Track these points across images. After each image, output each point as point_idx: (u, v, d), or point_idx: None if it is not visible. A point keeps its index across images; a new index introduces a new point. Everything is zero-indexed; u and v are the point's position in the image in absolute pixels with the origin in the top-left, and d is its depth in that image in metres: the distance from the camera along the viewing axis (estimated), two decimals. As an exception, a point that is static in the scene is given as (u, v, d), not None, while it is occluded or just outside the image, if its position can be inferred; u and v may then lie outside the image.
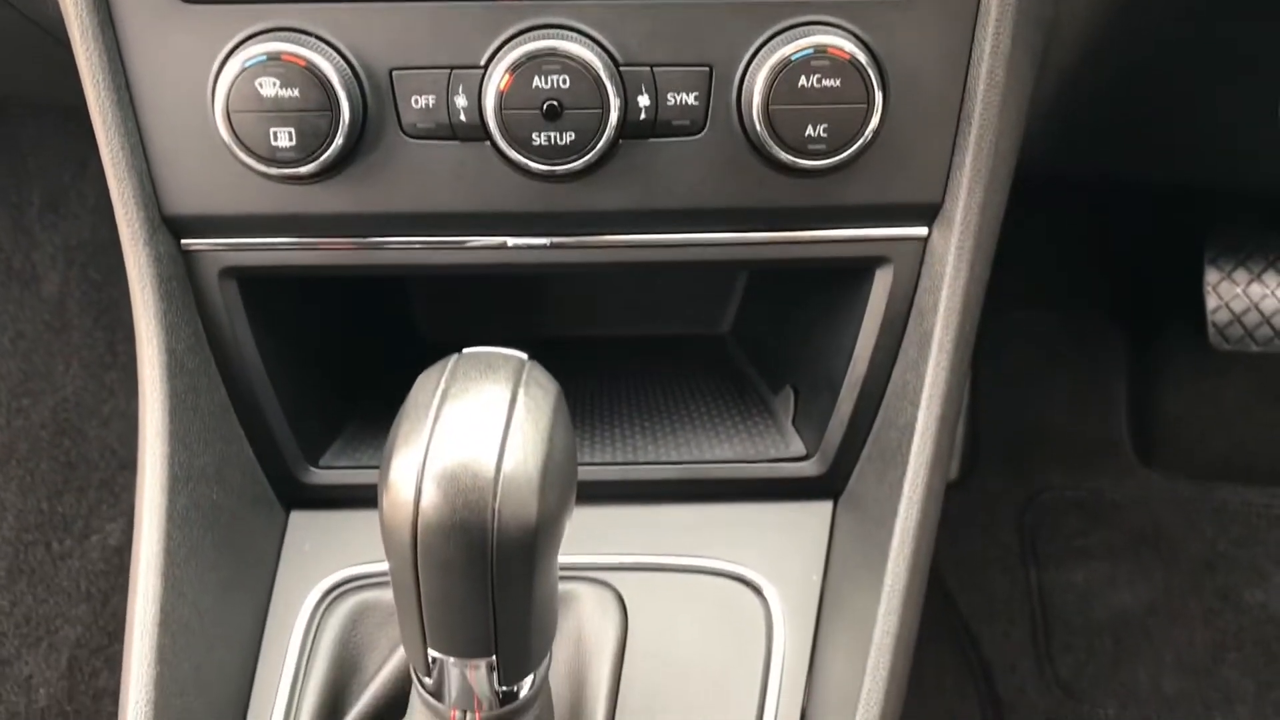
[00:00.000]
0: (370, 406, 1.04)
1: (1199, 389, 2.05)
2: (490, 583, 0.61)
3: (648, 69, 0.81)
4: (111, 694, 1.82)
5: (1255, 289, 1.80)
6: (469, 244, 0.86)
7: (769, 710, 0.86)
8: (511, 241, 0.86)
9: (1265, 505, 2.01)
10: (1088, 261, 2.10)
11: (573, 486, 0.64)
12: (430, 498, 0.58)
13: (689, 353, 1.22)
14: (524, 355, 0.65)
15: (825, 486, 0.95)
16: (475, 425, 0.59)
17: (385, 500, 0.59)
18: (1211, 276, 1.80)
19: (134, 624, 0.82)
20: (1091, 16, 0.87)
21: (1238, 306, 1.81)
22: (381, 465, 0.60)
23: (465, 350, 0.65)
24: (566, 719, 0.87)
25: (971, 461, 2.08)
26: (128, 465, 2.03)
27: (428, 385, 0.62)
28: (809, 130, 0.80)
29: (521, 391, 0.62)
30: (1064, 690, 1.83)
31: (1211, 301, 1.80)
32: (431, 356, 0.65)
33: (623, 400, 1.10)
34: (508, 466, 0.58)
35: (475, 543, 0.59)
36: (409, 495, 0.58)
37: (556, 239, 0.86)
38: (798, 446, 0.98)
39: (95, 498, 1.99)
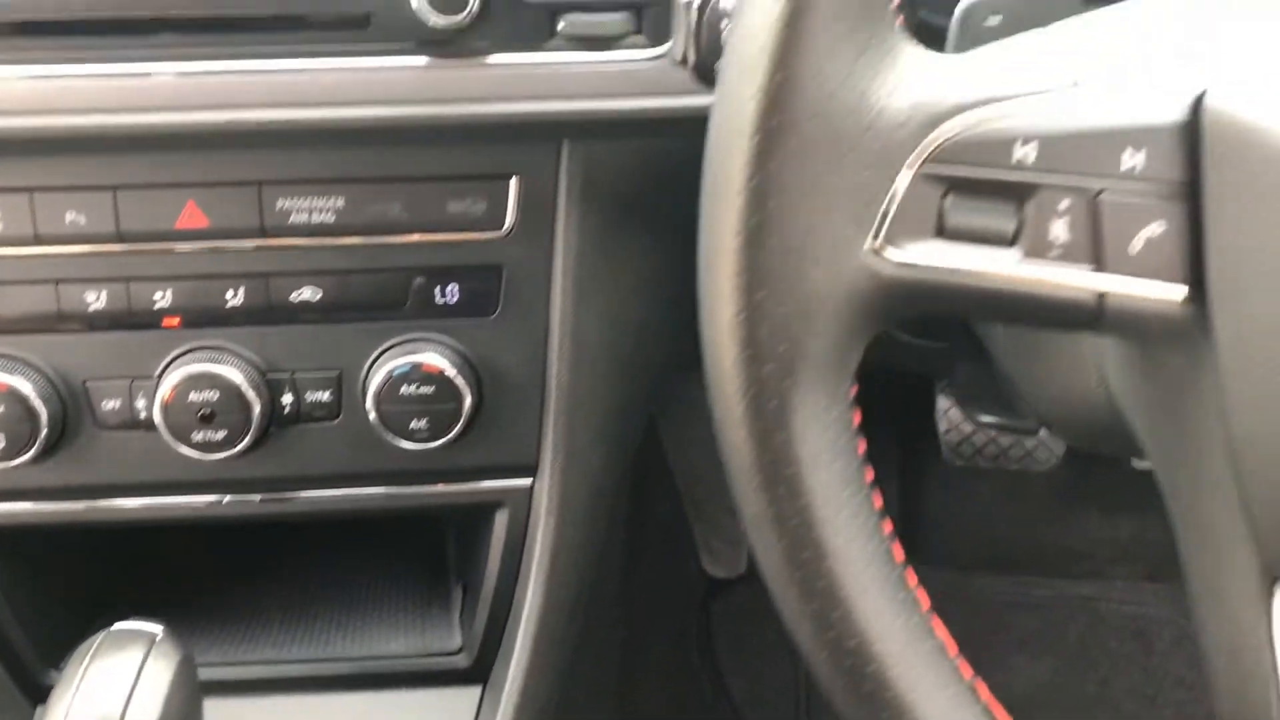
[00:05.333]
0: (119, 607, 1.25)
1: (957, 491, 2.30)
2: None
3: (289, 375, 1.04)
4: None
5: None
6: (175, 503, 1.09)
7: None
8: (226, 499, 1.09)
9: (1011, 593, 2.26)
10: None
11: None
12: None
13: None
14: (156, 629, 0.88)
15: (476, 675, 1.17)
16: (100, 709, 0.82)
17: None
18: (942, 403, 2.04)
19: None
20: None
21: (967, 428, 2.06)
22: None
23: (110, 629, 0.88)
24: None
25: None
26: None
27: (73, 665, 0.85)
28: (413, 424, 1.03)
29: (149, 663, 0.84)
30: (818, 767, 2.07)
31: (943, 425, 2.05)
32: None
33: (311, 588, 1.30)
34: None
35: None
36: None
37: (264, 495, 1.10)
38: (456, 640, 1.20)
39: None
